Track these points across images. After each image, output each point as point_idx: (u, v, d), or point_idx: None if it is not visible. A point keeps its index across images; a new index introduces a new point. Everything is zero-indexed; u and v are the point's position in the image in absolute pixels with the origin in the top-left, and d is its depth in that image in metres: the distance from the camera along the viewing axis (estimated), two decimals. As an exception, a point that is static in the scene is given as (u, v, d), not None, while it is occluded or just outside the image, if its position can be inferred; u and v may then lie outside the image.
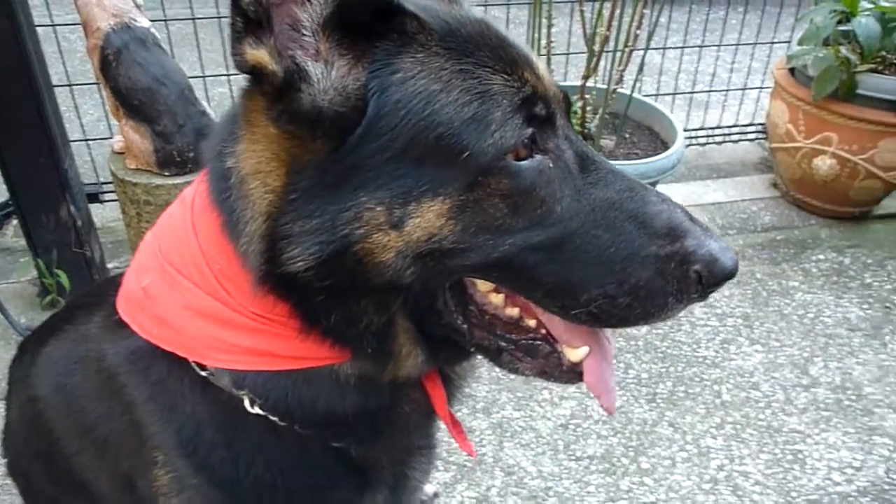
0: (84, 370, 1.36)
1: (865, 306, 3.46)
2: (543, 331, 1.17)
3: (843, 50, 3.57)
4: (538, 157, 1.02)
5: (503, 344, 1.16)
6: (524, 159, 1.00)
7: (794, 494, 2.54)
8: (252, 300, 1.10)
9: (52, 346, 1.48)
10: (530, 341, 1.17)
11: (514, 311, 1.16)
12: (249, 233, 1.04)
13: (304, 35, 0.96)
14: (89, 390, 1.34)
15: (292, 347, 1.12)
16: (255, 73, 0.98)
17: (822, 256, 3.80)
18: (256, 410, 1.19)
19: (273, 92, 0.98)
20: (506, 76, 1.00)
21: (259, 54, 0.95)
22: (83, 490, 1.48)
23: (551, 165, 1.03)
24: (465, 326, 1.14)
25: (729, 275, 1.03)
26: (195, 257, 1.14)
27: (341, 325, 1.08)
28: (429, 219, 0.98)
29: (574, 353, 1.16)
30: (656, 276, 1.03)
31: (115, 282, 1.38)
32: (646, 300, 1.04)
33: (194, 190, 1.18)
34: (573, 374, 1.18)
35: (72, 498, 1.58)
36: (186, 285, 1.15)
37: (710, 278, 1.03)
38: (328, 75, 0.97)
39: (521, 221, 1.01)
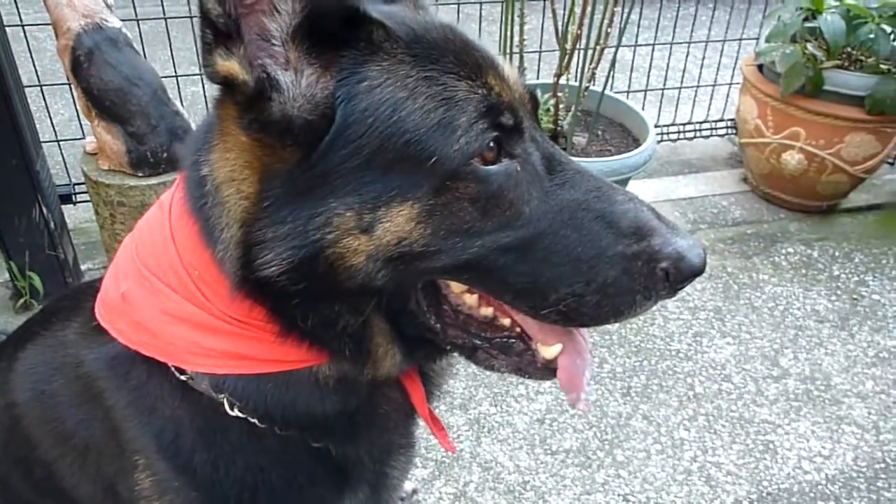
0: (62, 376, 1.35)
1: (833, 298, 3.53)
2: (518, 329, 1.20)
3: (810, 46, 3.63)
4: (505, 161, 1.04)
5: (477, 342, 1.18)
6: (491, 163, 1.02)
7: (765, 484, 2.59)
8: (230, 304, 1.11)
9: (29, 351, 1.48)
10: (505, 339, 1.19)
11: (488, 311, 1.18)
12: (225, 239, 1.06)
13: (273, 45, 0.97)
14: (68, 396, 1.34)
15: (270, 350, 1.14)
16: (227, 84, 0.99)
17: (791, 249, 3.87)
18: (236, 413, 1.20)
19: (244, 101, 1.00)
20: (470, 82, 1.02)
21: (230, 65, 0.96)
22: (63, 496, 1.48)
23: (518, 169, 1.05)
24: (438, 326, 1.16)
25: (696, 272, 1.05)
26: (173, 263, 1.14)
27: (318, 328, 1.10)
28: (398, 223, 1.00)
29: (548, 351, 1.18)
30: (624, 274, 1.05)
31: (91, 286, 1.38)
32: (614, 298, 1.06)
33: (171, 196, 1.19)
34: (547, 370, 1.20)
35: None
36: (164, 290, 1.16)
37: (678, 275, 1.05)
38: (297, 84, 0.99)
39: (489, 224, 1.03)
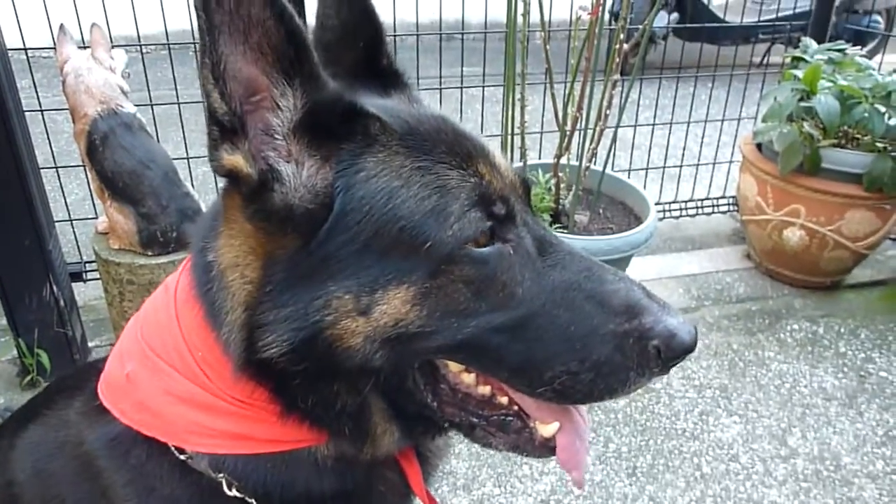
0: (63, 455, 1.37)
1: (840, 375, 3.50)
2: (516, 407, 1.21)
3: (807, 126, 3.71)
4: (498, 244, 1.07)
5: (474, 420, 1.20)
6: (484, 247, 1.06)
7: (776, 568, 2.54)
8: (232, 386, 1.13)
9: (31, 430, 1.49)
10: (502, 417, 1.21)
11: (486, 389, 1.20)
12: (230, 322, 1.09)
13: (276, 139, 1.03)
14: (67, 475, 1.35)
15: (271, 431, 1.16)
16: (232, 176, 1.04)
17: (796, 326, 3.86)
18: (234, 493, 1.21)
19: (248, 192, 1.05)
20: (461, 171, 1.07)
21: (234, 159, 1.01)
22: None
23: (511, 252, 1.08)
24: (434, 404, 1.18)
25: (687, 349, 1.08)
26: (177, 344, 1.17)
27: (318, 408, 1.12)
28: (395, 305, 1.03)
29: (546, 429, 1.20)
30: (616, 352, 1.07)
31: (94, 366, 1.41)
32: (608, 376, 1.08)
33: (177, 280, 1.23)
34: (546, 448, 1.21)
35: None
36: (168, 371, 1.18)
37: (669, 353, 1.07)
38: (299, 175, 1.04)
39: (484, 305, 1.06)
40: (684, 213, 4.66)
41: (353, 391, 1.13)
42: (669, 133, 4.61)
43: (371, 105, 1.10)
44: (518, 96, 3.36)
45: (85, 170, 3.23)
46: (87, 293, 3.75)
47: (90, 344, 3.36)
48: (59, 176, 3.70)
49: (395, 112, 1.12)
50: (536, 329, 1.08)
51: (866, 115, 3.60)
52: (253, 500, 1.21)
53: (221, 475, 1.20)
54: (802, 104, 3.79)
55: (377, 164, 1.05)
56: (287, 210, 1.03)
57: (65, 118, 3.67)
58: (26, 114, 2.92)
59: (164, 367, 1.18)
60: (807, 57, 3.96)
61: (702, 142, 4.69)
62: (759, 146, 4.08)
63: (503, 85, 3.44)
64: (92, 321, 3.55)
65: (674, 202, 4.64)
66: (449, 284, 1.04)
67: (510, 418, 1.21)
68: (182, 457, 1.22)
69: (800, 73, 3.81)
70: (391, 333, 1.05)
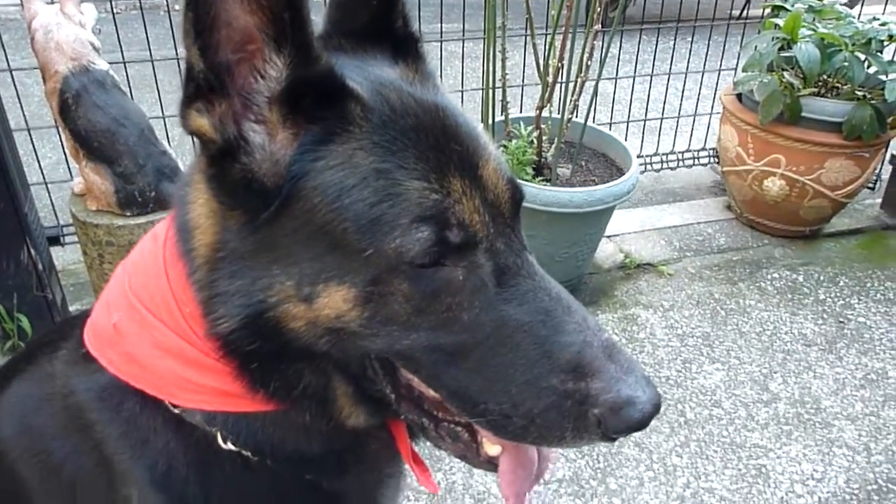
0: (50, 408, 1.35)
1: (820, 322, 3.56)
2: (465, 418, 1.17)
3: (787, 75, 3.71)
4: (447, 266, 0.99)
5: (427, 421, 1.17)
6: (432, 266, 0.98)
7: (758, 508, 2.59)
8: None
9: (14, 386, 1.47)
10: (452, 426, 1.17)
11: (437, 394, 1.15)
12: (196, 281, 1.08)
13: (255, 104, 0.98)
14: (56, 429, 1.33)
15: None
16: (198, 136, 0.99)
17: (776, 275, 3.91)
18: (229, 446, 1.20)
19: (209, 156, 1.01)
20: (425, 182, 0.98)
21: (201, 122, 0.96)
22: None
23: (461, 277, 1.00)
24: (392, 396, 1.15)
25: (632, 427, 0.99)
26: (165, 297, 1.14)
27: (280, 391, 1.11)
28: (336, 300, 1.00)
29: (491, 448, 1.17)
30: (552, 409, 1.00)
31: (76, 319, 1.38)
32: (541, 428, 1.01)
33: (166, 228, 1.19)
34: (490, 464, 1.18)
35: None
36: (155, 324, 1.16)
37: (610, 426, 0.98)
38: (268, 147, 0.99)
39: (425, 321, 1.01)
40: (665, 165, 4.67)
41: (318, 373, 1.11)
42: (650, 86, 4.60)
43: (363, 79, 1.04)
44: (499, 48, 3.32)
45: (58, 132, 3.16)
46: (66, 257, 3.71)
47: (71, 308, 3.33)
48: (31, 139, 3.63)
49: (387, 92, 1.05)
50: (476, 360, 1.02)
51: (846, 63, 3.62)
52: (248, 454, 1.21)
53: (215, 429, 1.20)
54: (783, 53, 3.79)
55: (338, 156, 0.99)
56: (242, 182, 0.99)
57: (35, 80, 3.59)
58: (-4, 74, 2.85)
59: (153, 320, 1.16)
60: (787, 5, 3.94)
61: (682, 94, 4.68)
62: (739, 97, 4.08)
63: (483, 38, 3.40)
64: (72, 285, 3.52)
65: (655, 155, 4.64)
66: (389, 294, 0.99)
67: (459, 429, 1.17)
68: (176, 410, 1.21)
69: (780, 22, 3.80)
70: (333, 324, 1.02)
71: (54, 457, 1.34)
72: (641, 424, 0.98)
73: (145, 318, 1.17)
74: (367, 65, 1.11)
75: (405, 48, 1.18)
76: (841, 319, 3.58)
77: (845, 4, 4.27)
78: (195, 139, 1.01)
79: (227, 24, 0.91)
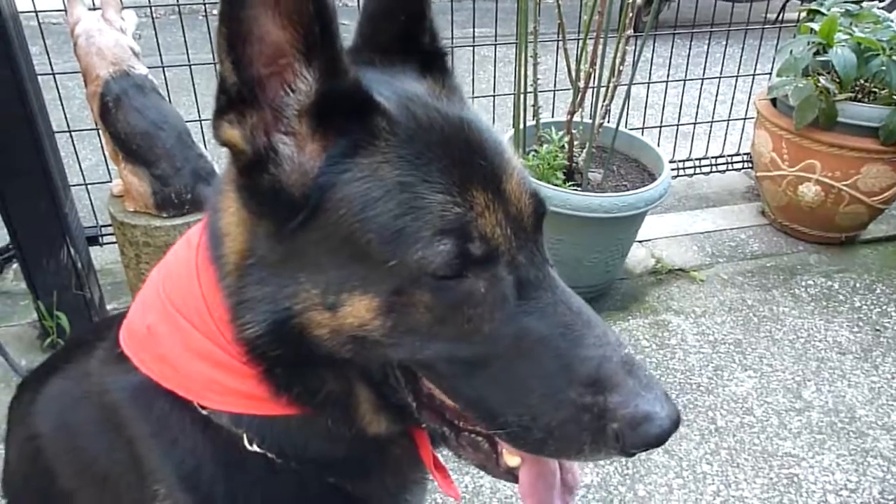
0: (86, 406, 1.38)
1: (856, 329, 3.50)
2: None
3: (822, 80, 3.66)
4: (469, 278, 1.00)
5: (447, 430, 1.18)
6: (454, 278, 0.99)
7: (790, 517, 2.56)
8: None
9: (52, 384, 1.51)
10: (473, 436, 1.18)
11: (457, 404, 1.16)
12: (225, 287, 1.10)
13: (285, 116, 1.00)
14: (90, 426, 1.37)
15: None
16: (229, 147, 1.01)
17: (811, 282, 3.85)
18: (255, 448, 1.23)
19: (240, 166, 1.03)
20: (449, 196, 0.99)
21: (232, 133, 0.99)
22: None
23: (482, 289, 1.01)
24: (414, 405, 1.16)
25: (650, 443, 0.99)
26: (197, 302, 1.17)
27: (304, 396, 1.13)
28: (359, 310, 1.01)
29: (511, 459, 1.17)
30: (570, 422, 1.00)
31: (113, 320, 1.41)
32: (559, 440, 1.02)
33: (199, 233, 1.22)
34: (510, 475, 1.19)
35: None
36: (186, 327, 1.18)
37: (629, 441, 0.98)
38: (297, 159, 1.01)
39: (446, 332, 1.02)
40: (698, 170, 4.63)
41: (341, 379, 1.13)
42: (683, 91, 4.56)
43: (391, 93, 1.06)
44: (531, 53, 3.32)
45: (98, 134, 3.24)
46: (104, 257, 3.79)
47: (108, 307, 3.39)
48: (72, 141, 3.71)
49: (413, 106, 1.06)
50: (496, 371, 1.03)
51: (883, 67, 3.56)
52: (273, 456, 1.23)
53: (241, 430, 1.22)
54: (818, 58, 3.75)
55: (364, 169, 1.00)
56: (271, 193, 1.01)
57: (76, 84, 3.68)
58: (38, 78, 2.92)
59: (184, 323, 1.19)
60: (823, 9, 3.90)
61: (716, 99, 4.64)
62: (773, 101, 4.04)
63: (515, 43, 3.41)
64: (109, 284, 3.58)
65: (687, 160, 4.61)
66: (411, 305, 1.00)
67: (480, 438, 1.18)
68: (204, 412, 1.23)
69: (816, 26, 3.76)
70: (356, 333, 1.03)
71: (88, 453, 1.38)
72: (660, 440, 0.98)
73: (177, 322, 1.19)
74: (395, 79, 1.13)
75: (432, 62, 1.20)
76: (877, 327, 3.52)
77: (883, 8, 4.21)
78: (226, 150, 1.04)
79: (259, 39, 0.94)
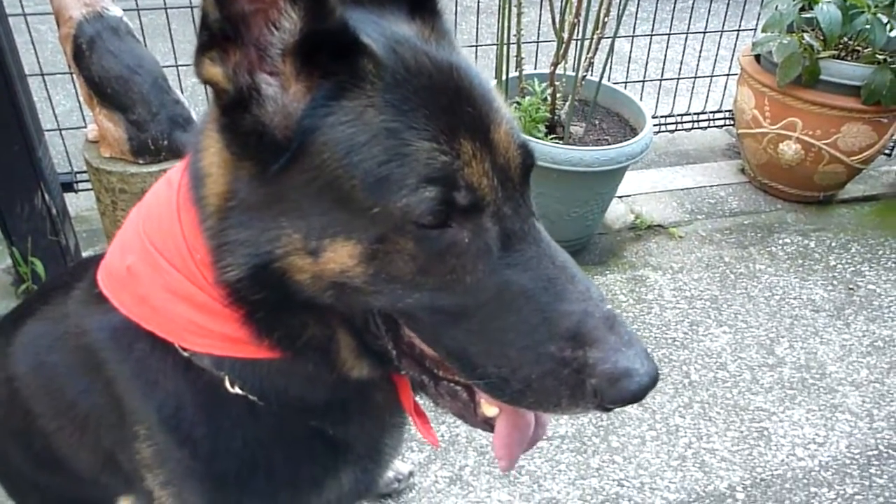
0: (63, 347, 1.38)
1: (829, 288, 3.55)
2: None
3: (807, 37, 3.65)
4: (453, 227, 1.00)
5: (426, 378, 1.19)
6: (437, 227, 0.99)
7: (759, 470, 2.62)
8: None
9: (29, 326, 1.51)
10: (452, 385, 1.19)
11: (437, 353, 1.17)
12: (206, 229, 1.10)
13: (269, 55, 0.98)
14: (69, 367, 1.37)
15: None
16: (211, 85, 1.00)
17: (787, 240, 3.89)
18: (237, 390, 1.23)
19: (222, 106, 1.01)
20: (435, 144, 0.98)
21: (214, 71, 0.97)
22: (61, 468, 1.51)
23: (466, 239, 1.01)
24: (394, 352, 1.16)
25: (627, 399, 0.99)
26: (178, 243, 1.16)
27: (285, 340, 1.13)
28: (341, 255, 1.01)
29: (488, 409, 1.18)
30: (549, 375, 1.01)
31: (89, 261, 1.41)
32: (538, 393, 1.02)
33: (180, 174, 1.20)
34: (487, 425, 1.20)
35: (50, 476, 1.60)
36: (167, 268, 1.18)
37: (607, 396, 0.99)
38: (280, 99, 1.00)
39: (428, 281, 1.02)
40: (680, 127, 4.62)
41: (322, 325, 1.13)
42: (667, 46, 4.53)
43: (379, 35, 1.04)
44: (515, 3, 3.27)
45: (72, 80, 3.16)
46: (79, 204, 3.73)
47: (84, 254, 3.36)
48: (45, 85, 3.62)
49: (401, 49, 1.04)
50: (477, 323, 1.03)
51: (868, 25, 3.55)
52: (255, 398, 1.24)
53: (223, 373, 1.22)
54: (804, 14, 3.73)
55: (349, 113, 0.99)
56: (254, 134, 1.00)
57: (49, 27, 3.57)
58: (9, 20, 2.83)
59: (165, 264, 1.18)
60: (810, -35, 3.86)
61: (699, 55, 4.62)
62: (757, 58, 4.02)
63: (499, -8, 3.36)
64: (85, 232, 3.54)
65: (669, 116, 4.59)
66: (394, 253, 1.00)
67: (458, 388, 1.19)
68: (185, 354, 1.23)
69: (802, -18, 3.73)
70: (337, 279, 1.03)
71: (67, 394, 1.39)
72: (637, 396, 0.99)
73: (158, 263, 1.19)
74: (384, 19, 1.11)
75: (422, 3, 1.17)
76: (850, 286, 3.57)
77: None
78: (208, 88, 1.02)
79: None
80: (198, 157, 1.12)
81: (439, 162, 0.98)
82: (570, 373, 0.99)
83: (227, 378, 1.23)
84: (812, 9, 3.64)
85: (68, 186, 3.51)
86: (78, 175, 3.62)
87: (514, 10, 3.30)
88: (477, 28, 4.19)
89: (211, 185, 1.08)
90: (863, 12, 3.57)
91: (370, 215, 0.98)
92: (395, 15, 1.14)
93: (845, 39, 3.75)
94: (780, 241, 3.87)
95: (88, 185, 3.35)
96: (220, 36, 0.95)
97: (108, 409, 1.32)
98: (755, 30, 4.34)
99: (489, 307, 1.02)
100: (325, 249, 1.01)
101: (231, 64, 0.97)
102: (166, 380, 1.27)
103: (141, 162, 2.98)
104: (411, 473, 2.46)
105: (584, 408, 1.02)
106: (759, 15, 4.22)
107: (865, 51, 3.72)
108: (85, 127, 3.32)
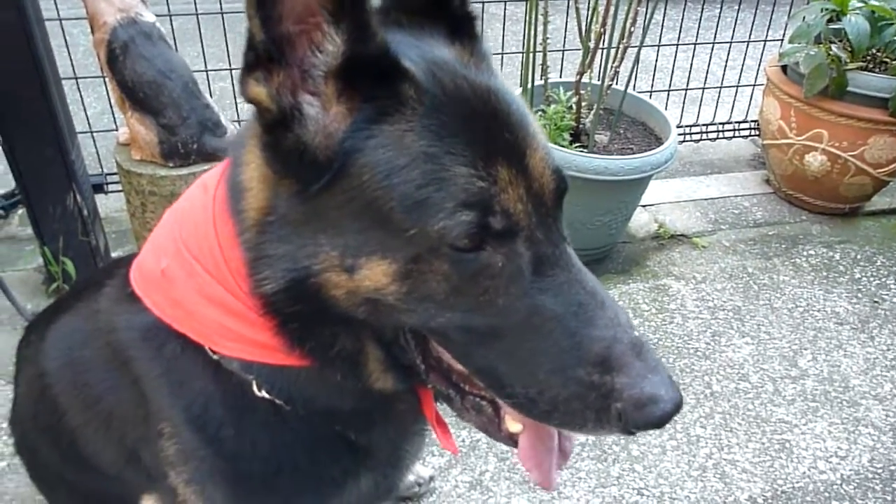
0: (93, 344, 1.41)
1: (854, 300, 3.53)
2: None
3: (834, 48, 3.63)
4: (487, 251, 1.02)
5: (452, 392, 1.21)
6: (472, 250, 1.01)
7: (780, 482, 2.61)
8: None
9: (61, 322, 1.54)
10: (478, 399, 1.21)
11: (465, 369, 1.19)
12: (244, 242, 1.12)
13: (312, 77, 1.01)
14: (97, 363, 1.40)
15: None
16: (255, 105, 1.02)
17: (812, 251, 3.87)
18: (264, 394, 1.26)
19: (265, 124, 1.04)
20: (472, 169, 1.00)
21: (259, 91, 0.99)
22: (87, 463, 1.53)
23: (500, 263, 1.03)
24: (422, 367, 1.19)
25: (651, 425, 1.01)
26: (213, 250, 1.19)
27: (316, 350, 1.16)
28: (376, 274, 1.03)
29: (513, 425, 1.20)
30: (576, 398, 1.03)
31: (120, 262, 1.44)
32: (564, 414, 1.05)
33: (216, 182, 1.23)
34: (510, 440, 1.22)
35: (76, 472, 1.63)
36: (202, 274, 1.20)
37: (631, 421, 1.01)
38: (322, 120, 1.02)
39: (461, 302, 1.04)
40: (705, 136, 4.61)
41: (353, 338, 1.15)
42: (693, 55, 4.52)
43: (419, 59, 1.06)
44: (541, 12, 3.29)
45: (104, 83, 3.22)
46: (109, 205, 3.79)
47: (113, 254, 3.41)
48: (78, 88, 3.70)
49: (441, 74, 1.06)
50: (507, 344, 1.05)
51: (896, 37, 3.53)
52: (281, 403, 1.27)
53: (251, 376, 1.25)
54: (831, 25, 3.71)
55: (389, 136, 1.01)
56: (295, 153, 1.02)
57: (80, 31, 3.65)
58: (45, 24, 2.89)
59: (200, 270, 1.21)
60: (838, -24, 3.85)
61: (725, 65, 4.60)
62: (784, 69, 4.01)
63: (525, 1, 3.37)
64: (114, 233, 3.60)
65: (694, 125, 4.58)
66: (428, 273, 1.02)
67: (484, 403, 1.21)
68: (215, 357, 1.26)
69: (830, -7, 3.71)
70: (371, 296, 1.06)
71: (95, 389, 1.42)
72: (661, 422, 1.01)
73: (194, 269, 1.21)
74: (423, 42, 1.13)
75: (461, 27, 1.19)
76: (875, 299, 3.54)
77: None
78: (236, 93, 1.05)
79: None
80: (238, 170, 1.15)
81: (476, 187, 0.99)
82: (596, 397, 1.02)
83: (255, 382, 1.25)
84: (840, 20, 3.63)
85: (99, 188, 3.59)
86: (108, 177, 3.69)
87: (541, 18, 3.31)
88: (503, 36, 4.21)
89: (251, 199, 1.11)
90: (892, 24, 3.55)
91: (407, 236, 1.01)
92: (435, 38, 1.16)
93: (873, 51, 3.72)
94: (805, 253, 3.85)
95: (118, 187, 3.41)
96: (264, 57, 0.97)
97: (133, 405, 1.35)
98: (782, 40, 4.32)
99: (520, 329, 1.05)
100: (361, 267, 1.04)
101: (275, 84, 0.99)
102: (195, 380, 1.29)
103: (171, 165, 3.04)
104: (432, 478, 2.48)
105: (609, 430, 1.04)
106: (786, 25, 4.20)
107: (893, 62, 3.69)
108: (116, 129, 3.38)
